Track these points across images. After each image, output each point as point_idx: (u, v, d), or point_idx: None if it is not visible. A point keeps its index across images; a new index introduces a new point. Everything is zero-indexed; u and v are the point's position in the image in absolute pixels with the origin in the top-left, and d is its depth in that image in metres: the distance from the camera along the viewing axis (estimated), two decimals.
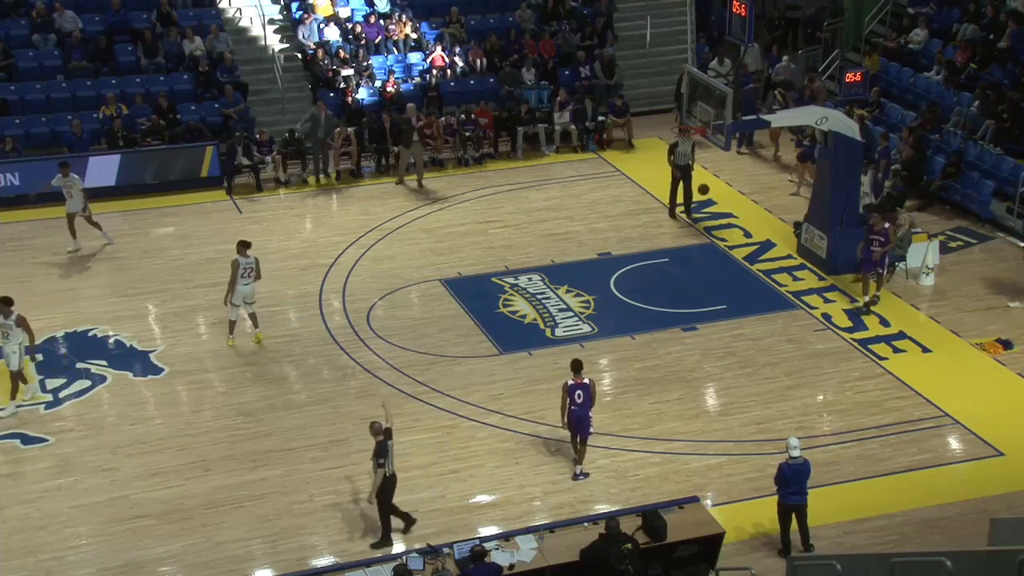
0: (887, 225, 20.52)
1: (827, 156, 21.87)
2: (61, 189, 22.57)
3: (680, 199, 24.31)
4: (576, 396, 16.06)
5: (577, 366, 16.26)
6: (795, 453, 14.55)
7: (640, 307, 20.85)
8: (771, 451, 16.71)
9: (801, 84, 28.08)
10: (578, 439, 16.38)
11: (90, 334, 20.08)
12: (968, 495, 16.10)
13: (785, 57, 29.32)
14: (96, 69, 27.34)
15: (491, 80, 28.94)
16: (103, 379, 18.81)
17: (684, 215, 24.35)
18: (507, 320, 20.57)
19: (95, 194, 23.68)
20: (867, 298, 20.67)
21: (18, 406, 17.94)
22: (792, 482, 14.58)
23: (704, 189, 24.10)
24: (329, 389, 18.55)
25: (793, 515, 14.78)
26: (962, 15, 28.80)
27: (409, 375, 18.85)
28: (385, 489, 14.87)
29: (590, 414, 16.15)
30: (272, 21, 29.36)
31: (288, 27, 29.45)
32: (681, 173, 24.11)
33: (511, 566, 13.43)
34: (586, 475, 16.41)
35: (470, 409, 17.98)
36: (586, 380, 16.15)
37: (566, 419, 16.25)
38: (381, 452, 14.69)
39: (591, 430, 16.29)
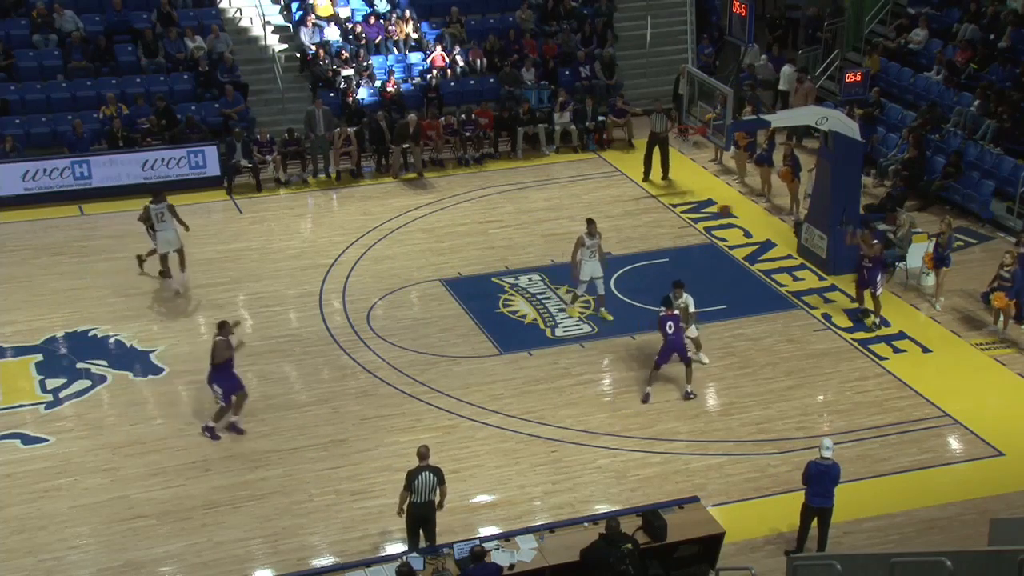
0: (875, 242, 20.02)
1: (827, 156, 21.86)
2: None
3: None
4: (667, 327, 17.83)
5: (667, 302, 18.07)
6: (826, 454, 14.35)
7: (640, 307, 20.81)
8: (771, 451, 16.74)
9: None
10: (659, 366, 18.11)
11: (90, 334, 20.07)
12: (968, 495, 16.10)
13: (763, 56, 29.48)
14: (96, 69, 27.33)
15: (491, 80, 28.94)
16: (103, 379, 18.80)
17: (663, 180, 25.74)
18: (507, 320, 20.57)
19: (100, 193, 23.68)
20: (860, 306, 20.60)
21: None
22: (815, 483, 14.42)
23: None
24: (329, 389, 18.55)
25: (816, 519, 14.62)
26: (962, 15, 28.80)
27: (409, 375, 18.85)
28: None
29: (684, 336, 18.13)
30: (270, 22, 29.35)
31: (288, 27, 29.45)
32: (656, 142, 25.39)
33: (511, 566, 13.41)
34: (694, 395, 18.09)
35: (470, 409, 17.97)
36: (675, 311, 18.01)
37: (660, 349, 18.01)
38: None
39: (689, 353, 18.27)
